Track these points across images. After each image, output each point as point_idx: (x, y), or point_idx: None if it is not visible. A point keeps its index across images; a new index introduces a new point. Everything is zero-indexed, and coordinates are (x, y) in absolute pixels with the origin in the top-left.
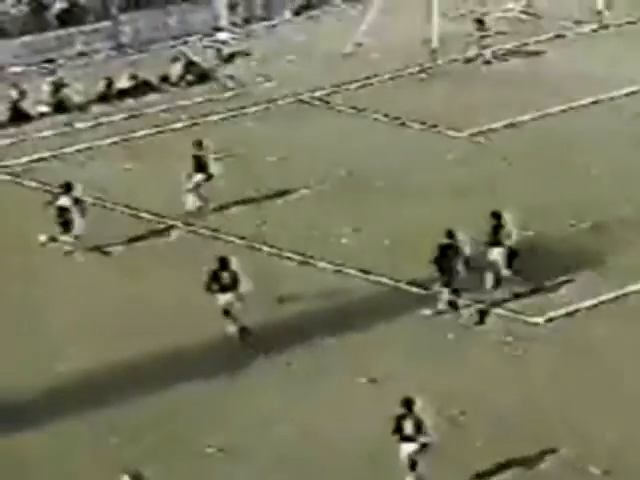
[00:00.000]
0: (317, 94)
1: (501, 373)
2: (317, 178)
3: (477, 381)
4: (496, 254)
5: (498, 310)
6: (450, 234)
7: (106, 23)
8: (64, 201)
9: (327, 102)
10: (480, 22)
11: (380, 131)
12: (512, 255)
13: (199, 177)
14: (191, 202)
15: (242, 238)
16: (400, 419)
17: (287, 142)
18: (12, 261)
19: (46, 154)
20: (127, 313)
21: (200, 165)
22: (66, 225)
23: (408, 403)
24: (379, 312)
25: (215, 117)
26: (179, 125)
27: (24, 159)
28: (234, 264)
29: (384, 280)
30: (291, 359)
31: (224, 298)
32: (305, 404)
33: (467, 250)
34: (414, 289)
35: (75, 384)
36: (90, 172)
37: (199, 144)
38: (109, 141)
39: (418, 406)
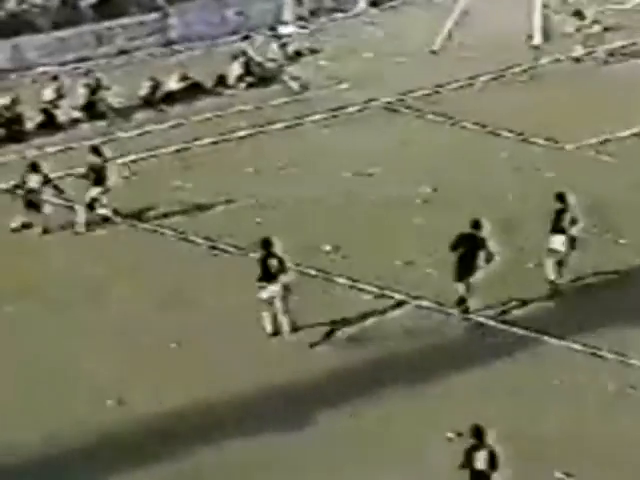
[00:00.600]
0: (397, 98)
1: (613, 426)
2: (396, 195)
3: (581, 435)
4: (558, 243)
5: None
6: (476, 224)
7: (152, 15)
8: (33, 183)
9: (409, 107)
10: (579, 15)
11: (470, 142)
12: None
13: (97, 190)
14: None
15: (303, 266)
16: (471, 451)
17: (361, 154)
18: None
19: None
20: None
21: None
22: (34, 207)
23: (479, 432)
24: (465, 353)
25: (279, 125)
26: (237, 134)
27: (57, 174)
28: (278, 248)
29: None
30: (361, 408)
31: (272, 290)
32: (374, 459)
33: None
34: (505, 327)
35: (116, 436)
36: (132, 191)
37: (96, 151)
38: (154, 153)
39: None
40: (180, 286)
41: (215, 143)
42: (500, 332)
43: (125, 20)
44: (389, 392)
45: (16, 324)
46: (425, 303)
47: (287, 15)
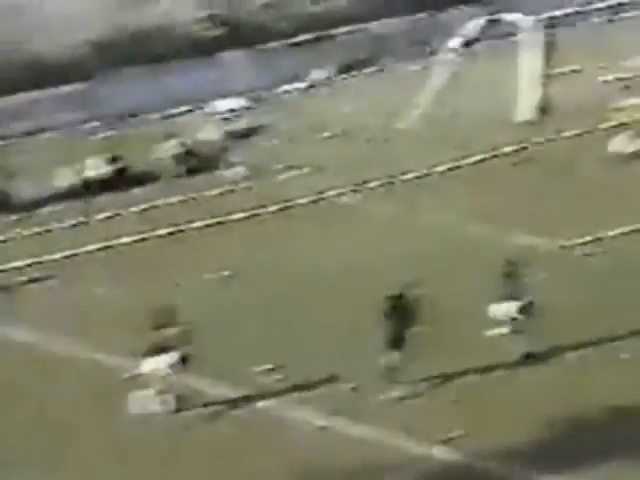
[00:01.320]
0: (357, 186)
1: None
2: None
3: None
4: None
5: None
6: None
7: (75, 86)
8: None
9: (372, 196)
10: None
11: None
12: None
13: None
14: None
15: None
16: None
17: (308, 258)
18: None
19: None
20: None
21: None
22: None
23: None
24: None
25: (219, 220)
26: (166, 231)
27: None
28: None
29: None
30: None
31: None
32: None
33: None
34: None
35: None
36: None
37: None
38: (73, 252)
39: None
40: None
41: (138, 241)
42: None
43: (43, 92)
44: None
45: None
46: None
47: (229, 87)
